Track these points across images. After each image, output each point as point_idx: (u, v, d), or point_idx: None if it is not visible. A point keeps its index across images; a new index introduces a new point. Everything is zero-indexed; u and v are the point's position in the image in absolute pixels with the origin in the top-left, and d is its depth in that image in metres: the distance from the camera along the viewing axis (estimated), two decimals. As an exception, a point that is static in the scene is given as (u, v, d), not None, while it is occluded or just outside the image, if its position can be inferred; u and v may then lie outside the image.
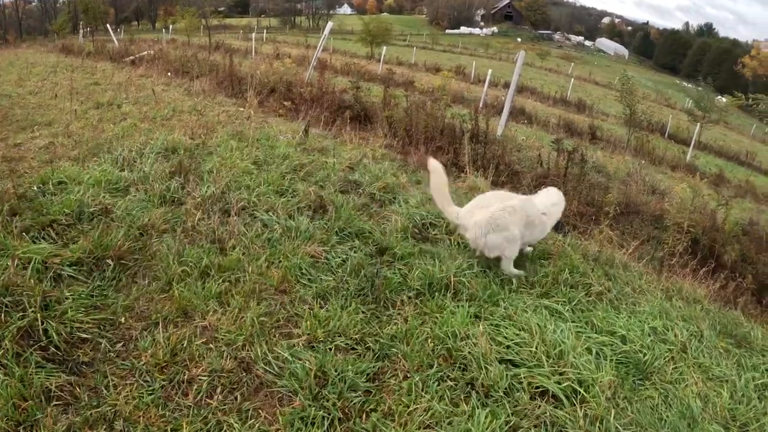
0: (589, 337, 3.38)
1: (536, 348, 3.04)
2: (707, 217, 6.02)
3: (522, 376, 2.88)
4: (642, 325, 3.89)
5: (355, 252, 4.05)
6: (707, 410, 3.13)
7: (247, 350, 3.00)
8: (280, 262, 3.81)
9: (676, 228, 5.38)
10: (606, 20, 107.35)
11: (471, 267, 3.91)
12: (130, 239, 3.79)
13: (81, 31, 31.71)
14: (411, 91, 10.86)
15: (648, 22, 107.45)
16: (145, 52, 17.10)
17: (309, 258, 3.89)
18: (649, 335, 3.80)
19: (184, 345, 2.94)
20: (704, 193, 6.73)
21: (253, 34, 31.25)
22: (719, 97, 21.63)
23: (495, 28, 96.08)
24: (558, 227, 5.85)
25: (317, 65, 11.71)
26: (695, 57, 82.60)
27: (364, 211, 4.78)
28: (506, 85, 27.53)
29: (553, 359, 3.00)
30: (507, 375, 2.86)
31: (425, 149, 7.56)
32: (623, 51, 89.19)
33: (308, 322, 3.21)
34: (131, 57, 16.04)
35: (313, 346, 3.07)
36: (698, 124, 18.16)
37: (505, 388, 2.81)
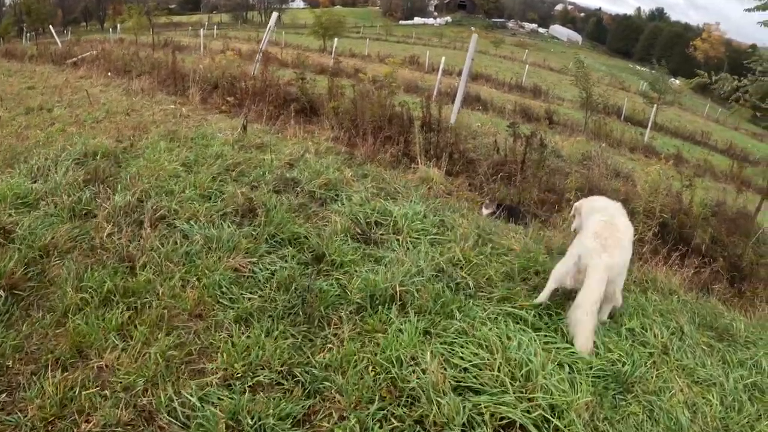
0: (559, 348, 2.93)
1: (498, 370, 2.55)
2: (674, 200, 5.74)
3: (483, 406, 2.41)
4: (618, 327, 3.52)
5: (286, 262, 3.51)
6: (696, 422, 2.78)
7: (150, 395, 2.47)
8: (198, 280, 3.25)
9: (645, 213, 5.07)
10: (559, 7, 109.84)
11: (420, 272, 3.42)
12: (26, 264, 3.25)
13: (26, 34, 30.13)
14: (359, 81, 10.30)
15: (600, 8, 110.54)
16: (88, 53, 16.40)
17: (232, 273, 3.34)
18: (627, 338, 3.43)
19: (75, 393, 2.42)
20: (668, 174, 6.48)
21: (202, 30, 30.46)
22: (672, 79, 22.19)
23: (449, 18, 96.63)
24: (518, 217, 5.46)
25: (262, 58, 11.02)
26: (647, 41, 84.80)
27: (301, 213, 4.22)
28: (461, 73, 27.38)
29: (520, 382, 2.52)
30: (464, 407, 2.38)
31: (373, 140, 7.04)
32: (577, 37, 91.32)
33: (225, 354, 2.68)
34: (73, 59, 15.34)
35: (230, 385, 2.54)
36: (654, 105, 18.52)
37: (463, 424, 2.32)
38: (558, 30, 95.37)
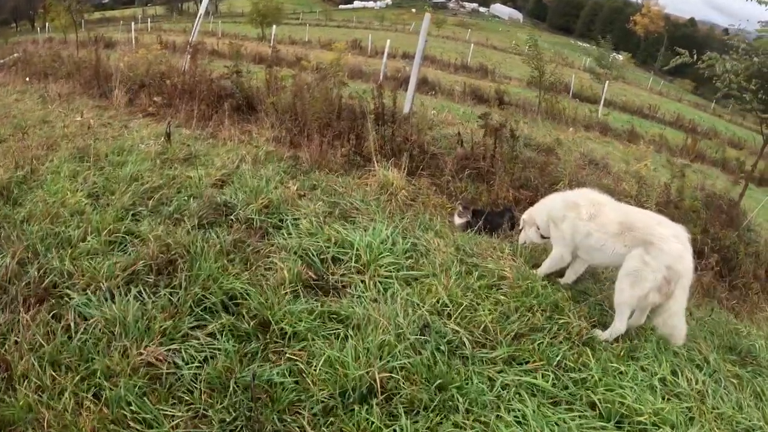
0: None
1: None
2: (661, 192, 5.14)
3: None
4: (649, 378, 2.82)
5: (220, 341, 2.50)
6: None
7: None
8: (96, 395, 2.23)
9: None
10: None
11: (401, 337, 2.54)
12: None
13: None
14: (302, 70, 9.18)
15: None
16: (8, 57, 14.35)
17: (144, 374, 2.31)
18: (659, 392, 2.75)
19: None
20: (644, 161, 5.89)
21: (132, 24, 28.36)
22: (616, 54, 22.28)
23: (389, 1, 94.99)
24: (497, 226, 4.70)
25: (192, 50, 9.65)
26: (588, 17, 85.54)
27: (237, 255, 3.20)
28: (405, 56, 26.43)
29: None
30: None
31: (320, 139, 6.05)
32: (517, 15, 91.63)
33: None
34: (-6, 63, 13.23)
35: None
36: (606, 81, 18.45)
37: None
38: (499, 9, 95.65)
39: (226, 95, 7.65)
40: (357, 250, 3.20)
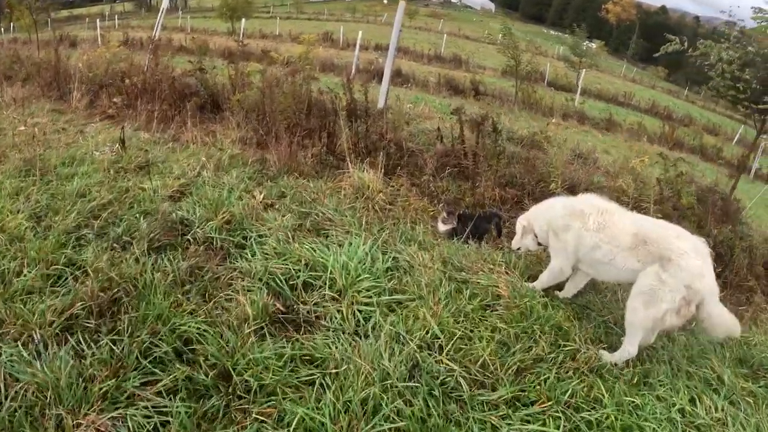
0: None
1: None
2: (654, 188, 4.85)
3: None
4: (667, 410, 2.49)
5: (173, 403, 2.04)
6: None
7: None
8: None
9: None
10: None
11: (387, 386, 2.13)
12: None
13: None
14: (271, 63, 8.63)
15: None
16: None
17: None
18: (679, 425, 2.43)
19: None
20: (632, 155, 5.60)
21: (98, 22, 27.19)
22: (589, 42, 22.21)
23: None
24: (484, 232, 4.33)
25: (153, 47, 8.97)
26: (560, 6, 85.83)
27: (193, 287, 2.71)
28: (378, 48, 25.86)
29: None
30: None
31: (289, 139, 5.58)
32: (489, 5, 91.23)
33: None
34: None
35: None
36: (583, 70, 18.29)
37: None
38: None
39: (190, 93, 7.07)
40: (331, 273, 2.78)
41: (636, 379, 2.70)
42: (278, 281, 2.71)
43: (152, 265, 2.75)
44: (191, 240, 3.07)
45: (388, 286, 2.84)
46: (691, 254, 2.72)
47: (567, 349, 2.75)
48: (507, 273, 3.39)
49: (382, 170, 5.06)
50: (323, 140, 5.73)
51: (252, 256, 2.97)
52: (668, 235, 2.83)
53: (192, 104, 6.61)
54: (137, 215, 3.37)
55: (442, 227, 4.24)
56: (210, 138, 5.83)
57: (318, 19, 53.62)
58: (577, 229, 3.02)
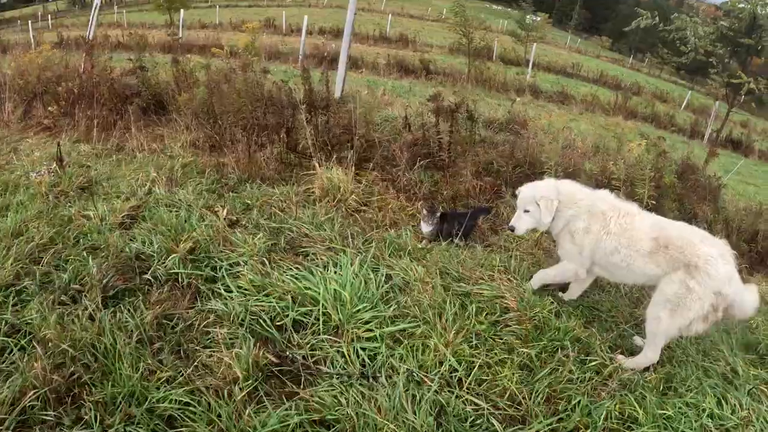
0: None
1: None
2: (634, 167, 4.72)
3: None
4: (698, 415, 2.36)
5: None
6: None
7: None
8: None
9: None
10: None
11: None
12: None
13: None
14: (214, 56, 7.91)
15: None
16: None
17: None
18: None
19: None
20: (610, 134, 5.46)
21: (30, 23, 24.85)
22: (533, 15, 22.29)
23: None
24: (470, 229, 4.07)
25: (87, 47, 8.02)
26: None
27: (165, 344, 2.23)
28: (322, 32, 25.00)
29: None
30: None
31: (246, 139, 5.08)
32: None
33: None
34: None
35: None
36: (533, 44, 18.27)
37: None
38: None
39: (131, 95, 6.34)
40: (324, 306, 2.42)
41: (661, 386, 2.55)
42: (264, 323, 2.31)
43: (110, 321, 2.26)
44: (152, 280, 2.59)
45: (388, 314, 2.51)
46: (718, 260, 2.55)
47: (592, 364, 2.53)
48: (508, 279, 3.14)
49: (353, 167, 4.69)
50: (282, 138, 5.27)
51: (227, 293, 2.53)
52: (693, 240, 2.63)
53: (135, 107, 5.94)
54: (85, 254, 2.82)
55: (426, 228, 3.92)
56: (158, 144, 5.24)
57: (258, 6, 51.54)
58: (597, 233, 2.78)
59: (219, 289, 2.58)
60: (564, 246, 2.93)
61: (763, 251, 4.85)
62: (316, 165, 4.63)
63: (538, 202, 2.92)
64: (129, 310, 2.34)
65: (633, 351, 2.82)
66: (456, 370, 2.29)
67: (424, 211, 3.98)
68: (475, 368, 2.31)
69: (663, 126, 11.51)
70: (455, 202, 4.82)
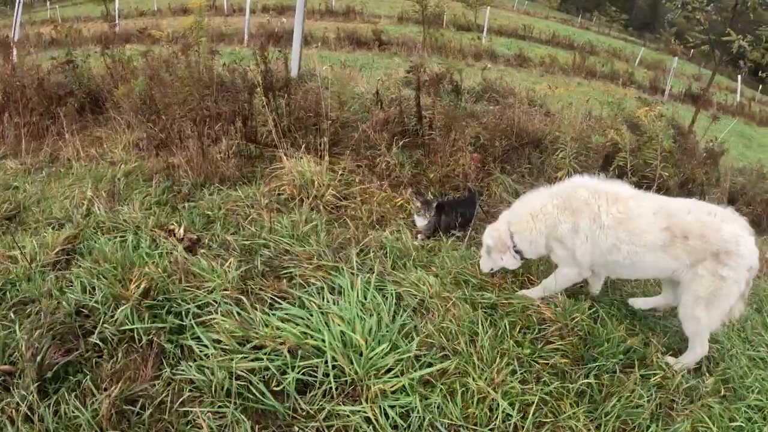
0: None
1: None
2: (633, 131, 4.30)
3: None
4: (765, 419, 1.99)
5: None
6: None
7: None
8: None
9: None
10: None
11: None
12: None
13: None
14: (154, 42, 6.89)
15: None
16: None
17: None
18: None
19: None
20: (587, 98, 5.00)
21: None
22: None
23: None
24: (468, 220, 3.55)
25: (7, 46, 6.79)
26: None
27: None
28: (266, 9, 23.60)
29: None
30: None
31: (197, 133, 4.31)
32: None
33: None
34: None
35: None
36: (487, 8, 17.65)
37: None
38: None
39: (64, 95, 5.37)
40: (332, 356, 1.84)
41: (721, 389, 2.22)
42: (257, 391, 1.72)
43: (54, 420, 1.60)
44: (101, 344, 1.92)
45: (412, 351, 1.96)
46: (745, 236, 2.17)
47: (653, 378, 2.10)
48: (531, 281, 2.65)
49: (327, 158, 4.05)
50: (239, 128, 4.55)
51: (201, 350, 1.90)
52: (712, 222, 2.18)
53: (69, 108, 5.01)
54: (13, 313, 2.10)
55: (420, 221, 3.36)
56: (96, 148, 4.41)
57: (196, -13, 48.23)
58: (587, 230, 2.28)
59: (189, 343, 1.94)
60: (556, 252, 2.42)
61: (762, 213, 4.57)
62: (283, 157, 3.97)
63: (490, 248, 2.52)
64: (77, 396, 1.68)
65: (680, 349, 2.41)
66: (510, 416, 1.79)
67: (418, 204, 3.42)
68: (532, 409, 1.81)
69: (623, 84, 11.31)
70: (444, 185, 4.28)
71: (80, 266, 2.31)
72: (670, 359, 2.31)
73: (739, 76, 13.71)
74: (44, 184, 3.59)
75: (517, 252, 2.49)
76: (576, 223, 2.30)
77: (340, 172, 4.08)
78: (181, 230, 2.77)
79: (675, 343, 2.46)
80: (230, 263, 2.38)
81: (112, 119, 4.83)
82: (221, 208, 3.17)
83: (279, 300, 2.18)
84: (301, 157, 3.98)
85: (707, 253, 2.17)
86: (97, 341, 1.91)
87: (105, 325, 1.96)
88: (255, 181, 3.86)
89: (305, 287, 2.28)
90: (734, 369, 2.38)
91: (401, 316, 2.08)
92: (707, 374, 2.32)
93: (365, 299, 2.12)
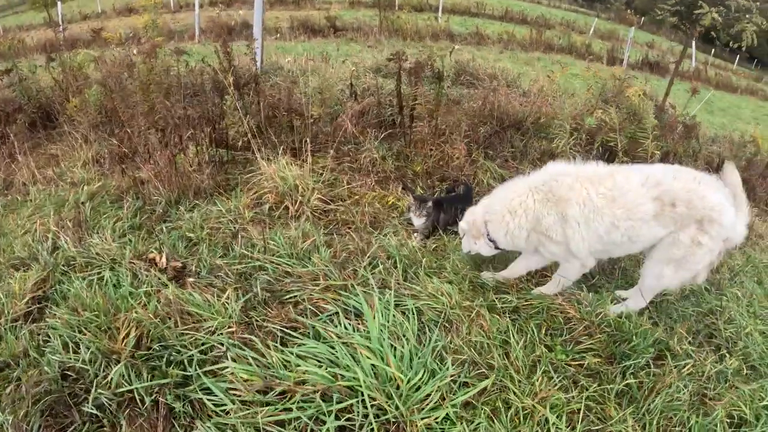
0: None
1: None
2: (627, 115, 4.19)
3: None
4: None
5: None
6: None
7: None
8: None
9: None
10: None
11: None
12: None
13: None
14: (106, 45, 6.27)
15: None
16: None
17: None
18: None
19: None
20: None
21: None
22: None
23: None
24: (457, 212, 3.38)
25: None
26: None
27: None
28: (214, 3, 22.58)
29: None
30: None
31: (164, 142, 3.92)
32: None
33: None
34: None
35: None
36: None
37: None
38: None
39: (13, 111, 4.82)
40: (369, 392, 1.62)
41: (744, 369, 2.17)
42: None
43: None
44: (98, 413, 1.64)
45: (449, 374, 1.77)
46: (726, 205, 2.11)
47: (687, 373, 2.01)
48: (545, 275, 2.51)
49: (310, 160, 3.77)
50: (208, 133, 4.18)
51: (216, 407, 1.66)
52: (699, 190, 2.09)
53: (18, 126, 4.49)
54: None
55: (417, 220, 3.16)
56: (54, 168, 3.97)
57: (141, -14, 45.58)
58: (579, 213, 2.13)
59: (199, 396, 1.68)
60: (548, 248, 2.26)
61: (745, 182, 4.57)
62: (262, 162, 3.66)
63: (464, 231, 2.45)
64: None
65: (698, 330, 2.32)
66: (560, 429, 1.64)
67: (412, 200, 3.21)
68: (579, 417, 1.67)
69: (582, 56, 11.32)
70: (431, 177, 4.08)
71: (56, 316, 1.99)
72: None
73: (693, 42, 14.02)
74: (1, 217, 3.17)
75: (492, 241, 2.35)
76: (563, 212, 2.15)
77: (321, 172, 3.83)
78: (164, 258, 2.47)
79: (693, 326, 2.38)
80: (228, 295, 2.11)
81: (67, 134, 4.36)
82: (203, 227, 2.86)
83: (290, 331, 1.94)
84: (279, 160, 3.69)
85: (692, 220, 2.10)
86: (93, 410, 1.62)
87: (99, 390, 1.66)
88: (233, 191, 3.55)
89: (317, 313, 2.05)
90: (752, 347, 2.31)
91: (430, 337, 1.88)
92: (728, 355, 2.24)
93: (387, 321, 1.91)
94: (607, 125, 3.66)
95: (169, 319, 1.93)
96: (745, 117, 9.87)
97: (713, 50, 19.80)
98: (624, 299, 2.45)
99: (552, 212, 2.15)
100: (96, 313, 1.95)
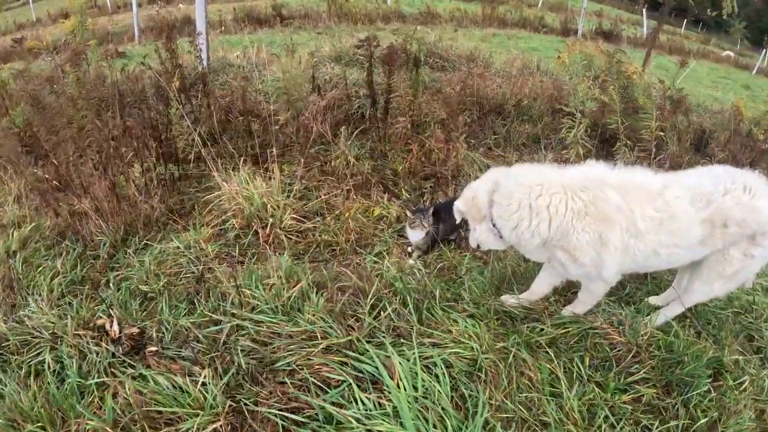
0: None
1: None
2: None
3: None
4: None
5: None
6: None
7: None
8: None
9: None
10: None
11: None
12: None
13: None
14: (32, 55, 5.36)
15: None
16: None
17: None
18: None
19: None
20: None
21: None
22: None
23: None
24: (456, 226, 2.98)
25: None
26: None
27: None
28: (152, 2, 21.19)
29: None
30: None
31: (102, 170, 3.24)
32: None
33: None
34: None
35: None
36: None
37: None
38: None
39: None
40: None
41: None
42: None
43: None
44: None
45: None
46: None
47: (744, 387, 1.73)
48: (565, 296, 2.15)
49: (277, 172, 3.25)
50: (153, 148, 3.56)
51: None
52: (752, 204, 1.77)
53: None
54: None
55: (415, 235, 2.75)
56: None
57: (76, -8, 42.03)
58: (618, 240, 1.74)
59: None
60: (570, 270, 1.87)
61: (741, 154, 4.35)
62: (222, 183, 3.10)
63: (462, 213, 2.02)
64: None
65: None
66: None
67: (409, 213, 2.78)
68: None
69: (534, 29, 11.06)
70: (415, 177, 3.66)
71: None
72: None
73: (644, 10, 14.15)
74: None
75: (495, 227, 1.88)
76: (603, 234, 1.73)
77: (289, 182, 3.34)
78: (115, 325, 1.95)
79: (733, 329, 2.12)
80: (205, 374, 1.63)
81: (-1, 162, 3.64)
82: (159, 275, 2.33)
83: (292, 415, 1.50)
84: (242, 174, 3.17)
85: (743, 237, 1.82)
86: None
87: None
88: (190, 216, 3.02)
89: (321, 387, 1.61)
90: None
91: (473, 401, 1.48)
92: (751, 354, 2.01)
93: (416, 390, 1.50)
94: (607, 107, 3.33)
95: (135, 425, 1.44)
96: (705, 81, 9.89)
97: (659, 15, 20.07)
98: (658, 307, 2.14)
99: (589, 230, 1.73)
100: (36, 417, 1.43)
